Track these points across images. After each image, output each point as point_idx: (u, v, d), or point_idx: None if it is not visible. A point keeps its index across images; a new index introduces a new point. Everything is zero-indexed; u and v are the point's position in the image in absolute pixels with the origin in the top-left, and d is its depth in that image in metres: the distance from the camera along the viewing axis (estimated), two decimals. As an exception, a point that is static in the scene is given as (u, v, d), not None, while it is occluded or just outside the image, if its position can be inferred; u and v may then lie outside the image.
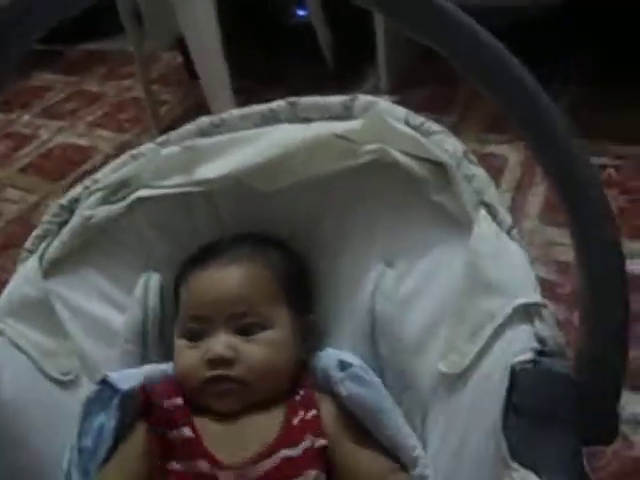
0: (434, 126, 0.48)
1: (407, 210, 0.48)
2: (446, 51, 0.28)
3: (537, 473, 0.29)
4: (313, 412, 0.43)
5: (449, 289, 0.44)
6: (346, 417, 0.44)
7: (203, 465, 0.41)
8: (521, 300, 0.36)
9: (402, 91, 1.45)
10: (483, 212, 0.43)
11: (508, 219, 0.42)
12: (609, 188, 1.01)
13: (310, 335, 0.50)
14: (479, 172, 0.45)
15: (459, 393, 0.40)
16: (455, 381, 0.40)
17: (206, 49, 1.18)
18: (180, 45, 1.67)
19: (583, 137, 0.28)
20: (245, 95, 1.27)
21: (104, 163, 1.65)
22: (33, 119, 1.66)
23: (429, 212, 0.47)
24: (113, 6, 1.68)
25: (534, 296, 0.37)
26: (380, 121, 0.47)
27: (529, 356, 0.33)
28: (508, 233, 0.42)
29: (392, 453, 0.42)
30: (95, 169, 1.62)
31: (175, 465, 0.42)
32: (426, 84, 1.40)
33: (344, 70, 1.46)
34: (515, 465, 0.30)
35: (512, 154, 1.15)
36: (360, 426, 0.43)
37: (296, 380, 0.47)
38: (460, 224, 0.45)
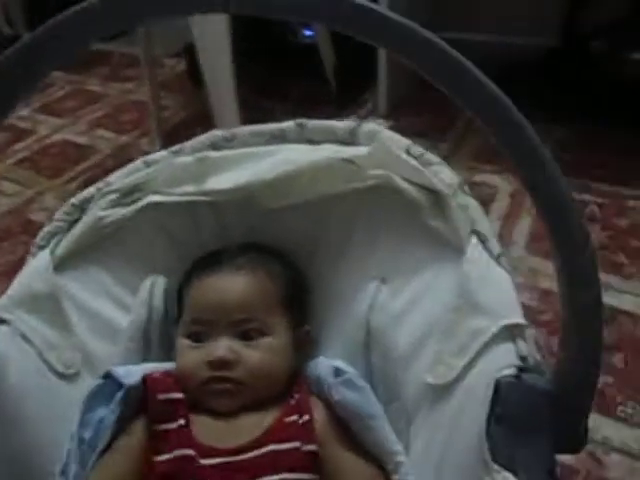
0: (433, 157, 0.52)
1: (404, 232, 0.52)
2: (447, 90, 0.31)
3: (515, 474, 0.32)
4: (306, 417, 0.45)
5: (439, 307, 0.48)
6: (336, 422, 0.46)
7: (189, 452, 0.42)
8: (506, 321, 0.40)
9: (398, 117, 1.51)
10: (474, 240, 0.47)
11: (497, 247, 0.46)
12: (592, 223, 1.07)
13: (304, 344, 0.53)
14: (472, 203, 0.49)
15: (444, 404, 0.43)
16: (440, 392, 0.44)
17: (216, 60, 1.21)
18: (186, 53, 1.70)
19: (568, 175, 0.32)
20: (247, 107, 1.30)
21: (102, 163, 1.65)
22: (32, 114, 1.66)
23: (425, 235, 0.50)
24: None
25: (518, 318, 0.40)
26: (386, 149, 0.51)
27: (512, 371, 0.37)
28: (496, 260, 0.45)
29: (377, 458, 0.45)
30: (93, 168, 1.62)
31: (163, 456, 0.43)
32: (422, 112, 1.46)
33: (344, 92, 1.51)
34: (496, 467, 0.33)
35: (502, 184, 1.20)
36: (348, 431, 0.46)
37: (290, 386, 0.49)
38: (452, 248, 0.48)
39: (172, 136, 1.57)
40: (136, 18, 0.36)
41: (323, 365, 0.49)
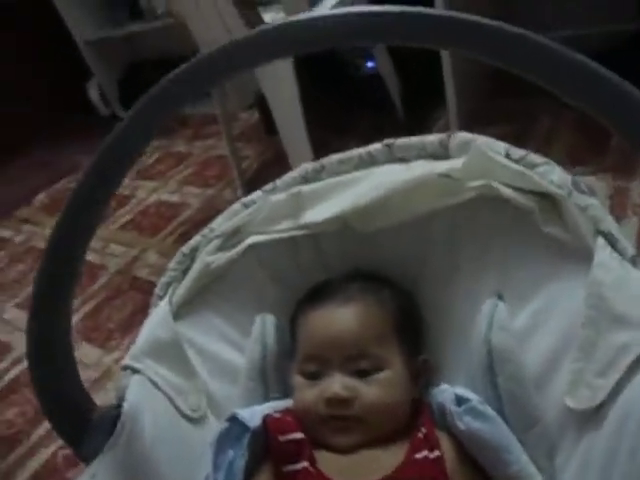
0: (537, 158, 0.48)
1: (516, 243, 0.48)
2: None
3: None
4: (437, 453, 0.43)
5: (569, 321, 0.43)
6: (464, 456, 0.43)
7: None
8: None
9: (472, 130, 1.43)
10: (601, 241, 0.42)
11: (630, 248, 0.41)
12: None
13: (422, 374, 0.50)
14: (592, 201, 0.44)
15: (595, 430, 0.38)
16: (588, 417, 0.39)
17: (286, 106, 1.25)
18: (258, 104, 1.79)
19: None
20: (321, 146, 1.31)
21: (193, 217, 1.74)
22: (130, 181, 1.83)
23: (541, 244, 0.46)
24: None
25: None
26: (483, 157, 0.48)
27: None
28: (632, 262, 0.40)
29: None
30: (186, 222, 1.72)
31: None
32: (496, 122, 1.39)
33: (414, 116, 1.49)
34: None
35: (599, 185, 1.11)
36: (478, 464, 0.42)
37: (415, 417, 0.47)
38: (575, 255, 0.44)
39: (253, 183, 1.63)
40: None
41: (444, 393, 0.46)
